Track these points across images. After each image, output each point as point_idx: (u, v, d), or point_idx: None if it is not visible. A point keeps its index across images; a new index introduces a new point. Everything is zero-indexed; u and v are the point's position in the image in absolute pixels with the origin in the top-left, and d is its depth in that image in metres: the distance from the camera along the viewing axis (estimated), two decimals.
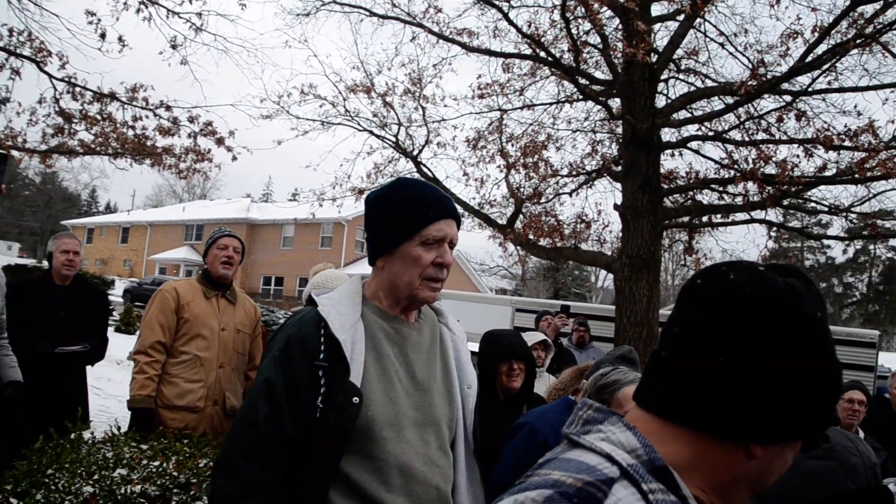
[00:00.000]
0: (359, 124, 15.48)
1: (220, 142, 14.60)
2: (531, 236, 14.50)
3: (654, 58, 13.17)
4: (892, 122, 11.80)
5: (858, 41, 10.83)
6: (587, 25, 12.48)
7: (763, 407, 1.12)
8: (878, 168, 11.10)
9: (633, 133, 12.24)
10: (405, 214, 2.39)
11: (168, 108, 14.05)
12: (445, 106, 16.49)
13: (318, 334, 2.31)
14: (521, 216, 15.15)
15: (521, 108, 15.55)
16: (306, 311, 2.46)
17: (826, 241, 57.90)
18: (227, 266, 5.35)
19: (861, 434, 6.07)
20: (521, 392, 4.83)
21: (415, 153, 15.51)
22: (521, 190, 15.22)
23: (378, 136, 15.60)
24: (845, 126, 12.71)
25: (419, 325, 2.56)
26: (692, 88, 14.57)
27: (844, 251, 64.48)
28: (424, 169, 15.44)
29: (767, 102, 13.49)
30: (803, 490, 2.24)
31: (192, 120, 14.34)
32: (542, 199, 15.53)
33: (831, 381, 1.15)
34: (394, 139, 15.54)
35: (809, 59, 11.32)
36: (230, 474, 2.20)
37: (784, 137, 13.39)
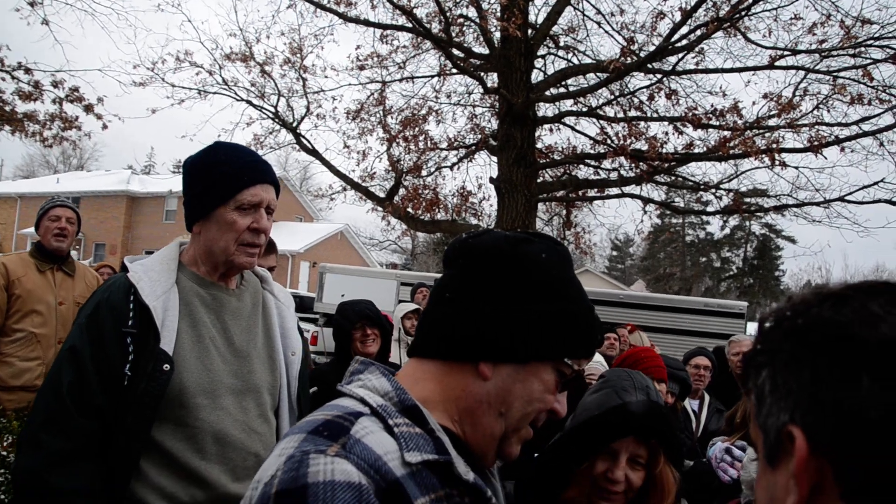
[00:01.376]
0: (237, 94, 15.11)
1: (88, 108, 13.91)
2: (410, 209, 14.53)
3: (531, 33, 13.34)
4: (755, 103, 12.36)
5: (716, 25, 11.24)
6: None
7: (480, 328, 1.33)
8: (739, 146, 11.60)
9: (508, 107, 12.37)
10: (220, 179, 2.34)
11: (28, 70, 13.28)
12: (326, 77, 16.49)
13: (127, 301, 2.24)
14: (401, 189, 15.15)
15: (402, 81, 15.50)
16: (117, 277, 2.38)
17: (706, 218, 60.42)
18: (60, 238, 5.11)
19: (707, 398, 6.35)
20: (377, 358, 4.86)
21: (294, 125, 15.26)
22: (402, 163, 15.21)
23: (257, 107, 15.28)
24: (712, 106, 13.21)
25: (240, 291, 2.52)
26: (569, 65, 14.84)
27: (722, 227, 67.13)
28: (304, 140, 15.22)
29: (640, 80, 13.90)
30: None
31: (56, 84, 13.59)
32: (423, 173, 15.58)
33: (551, 316, 1.35)
34: (273, 110, 15.27)
35: (676, 39, 11.71)
36: (33, 447, 2.11)
37: (655, 115, 13.81)
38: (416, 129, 15.26)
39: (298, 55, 14.96)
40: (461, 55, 13.14)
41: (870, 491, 0.78)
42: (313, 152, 15.13)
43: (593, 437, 2.19)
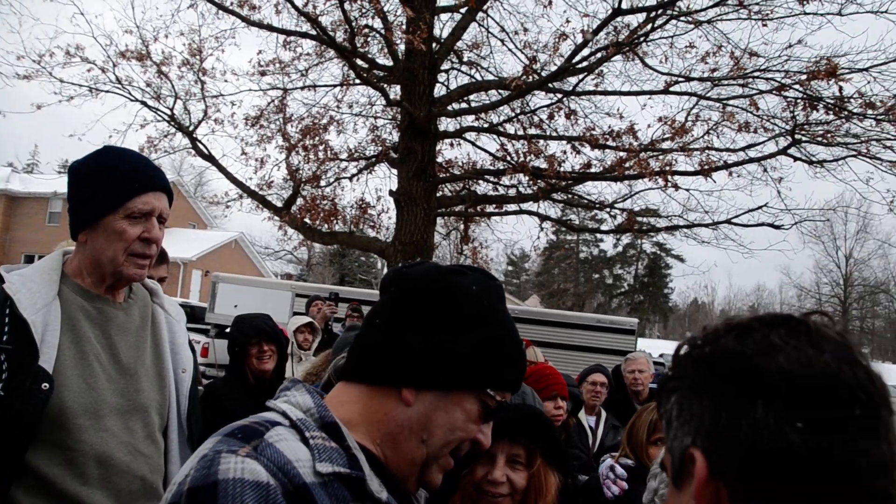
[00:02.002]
0: (131, 94, 14.56)
1: None
2: (307, 220, 14.31)
3: (435, 47, 13.38)
4: (650, 126, 12.77)
5: (616, 49, 11.55)
6: (367, 5, 12.45)
7: (404, 356, 1.36)
8: (634, 167, 11.91)
9: (410, 120, 12.36)
10: (109, 185, 2.20)
11: None
12: (226, 81, 15.98)
13: (2, 314, 2.07)
14: (299, 199, 14.91)
15: (304, 89, 15.28)
16: None
17: (599, 235, 62.07)
18: None
19: (603, 414, 6.45)
20: (273, 375, 4.73)
21: (191, 129, 14.82)
22: (301, 172, 14.97)
23: (152, 108, 14.76)
24: (609, 127, 13.54)
25: (128, 305, 2.37)
26: (472, 81, 14.95)
27: (615, 245, 68.96)
28: (200, 146, 14.80)
29: (541, 99, 14.12)
30: None
31: None
32: (322, 183, 15.39)
33: (476, 347, 1.37)
34: (169, 112, 14.77)
35: (577, 60, 11.96)
36: None
37: (554, 134, 14.05)
38: (317, 138, 15.06)
39: (198, 57, 14.56)
40: (365, 66, 13.05)
41: None
42: (209, 158, 14.72)
43: None
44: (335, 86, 15.26)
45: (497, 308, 1.45)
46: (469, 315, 1.39)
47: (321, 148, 15.11)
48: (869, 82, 11.24)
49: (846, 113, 11.42)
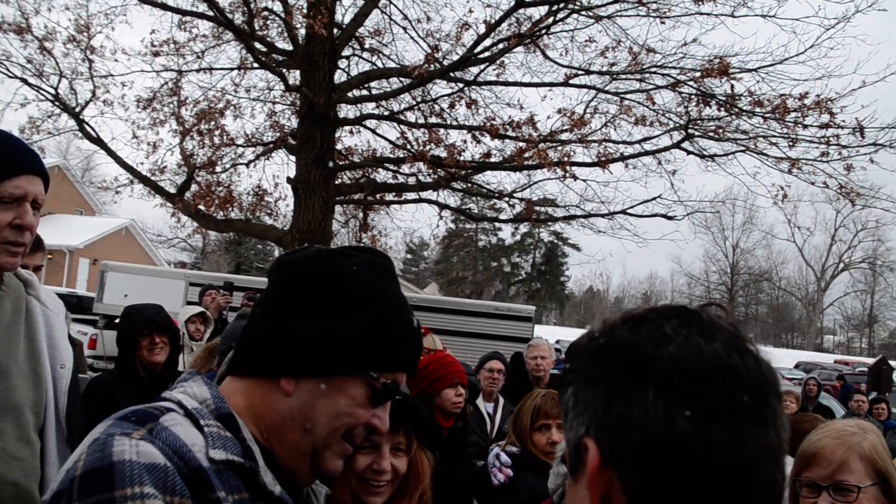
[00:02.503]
0: (9, 70, 13.78)
1: None
2: (202, 207, 13.90)
3: (336, 33, 13.18)
4: (549, 117, 12.93)
5: (518, 40, 11.64)
6: None
7: (279, 344, 1.34)
8: (534, 157, 12.02)
9: (309, 106, 12.13)
10: None
11: None
12: (116, 61, 15.16)
13: None
14: (193, 185, 14.46)
15: (200, 71, 14.77)
16: None
17: (498, 224, 62.82)
18: None
19: (501, 400, 6.51)
20: (165, 367, 4.55)
21: (77, 109, 14.15)
22: (195, 157, 14.51)
23: (33, 87, 14.00)
24: (510, 117, 13.61)
25: None
26: (374, 68, 14.80)
27: (513, 234, 69.88)
28: (88, 128, 14.15)
29: (442, 88, 14.10)
30: None
31: None
32: (218, 169, 14.95)
33: (355, 330, 1.33)
34: (53, 91, 14.05)
35: (479, 51, 11.99)
36: None
37: (455, 123, 14.05)
38: (213, 122, 14.59)
39: (85, 34, 13.90)
40: (264, 49, 12.73)
41: (652, 501, 0.85)
42: (98, 141, 14.10)
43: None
44: (233, 69, 14.83)
45: (383, 288, 1.42)
46: (350, 298, 1.36)
47: (217, 133, 14.67)
48: (758, 82, 11.70)
49: (736, 110, 11.83)
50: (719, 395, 0.84)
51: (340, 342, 1.33)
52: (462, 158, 12.72)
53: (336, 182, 13.43)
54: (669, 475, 0.84)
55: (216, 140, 14.63)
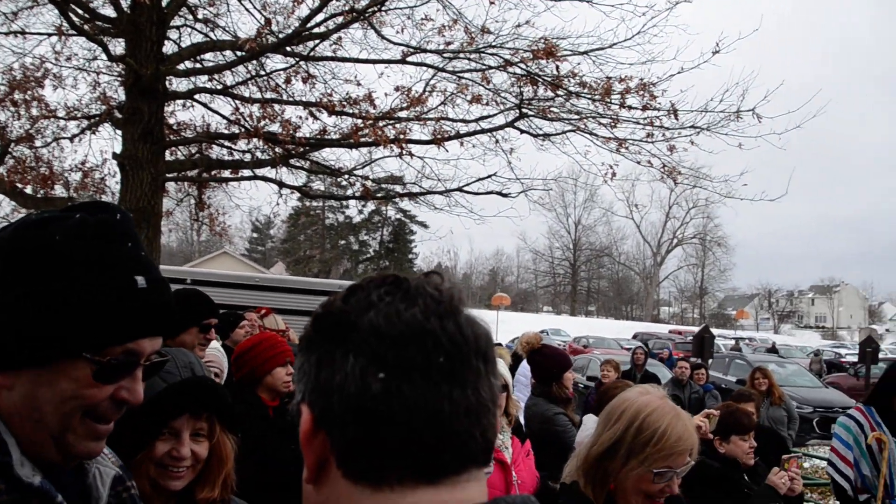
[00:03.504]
0: None
1: None
2: (19, 184, 13.04)
3: (166, 1, 12.58)
4: (387, 94, 12.89)
5: (353, 16, 11.53)
6: None
7: None
8: (370, 134, 11.96)
9: (136, 78, 11.54)
10: None
11: None
12: None
13: None
14: (9, 160, 13.52)
15: (12, 35, 13.70)
16: None
17: (345, 202, 62.30)
18: None
19: None
20: None
21: None
22: (10, 130, 13.57)
23: None
24: (347, 94, 13.48)
25: None
26: (206, 39, 14.25)
27: (360, 211, 69.68)
28: None
29: (278, 62, 13.77)
30: None
31: None
32: (38, 143, 14.04)
33: (54, 309, 1.23)
34: None
35: (313, 25, 11.78)
36: None
37: (291, 99, 13.78)
38: (29, 92, 13.66)
39: None
40: (84, 15, 12.01)
41: (356, 460, 0.90)
42: None
43: (150, 422, 2.19)
44: (50, 34, 13.86)
45: (92, 251, 1.30)
46: (45, 272, 1.25)
47: (35, 104, 13.74)
48: (588, 64, 12.12)
49: (564, 91, 12.19)
50: (412, 356, 0.89)
51: (38, 325, 1.23)
52: (299, 135, 12.49)
53: (168, 158, 12.90)
54: (369, 434, 0.89)
55: (34, 112, 13.71)
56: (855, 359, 35.46)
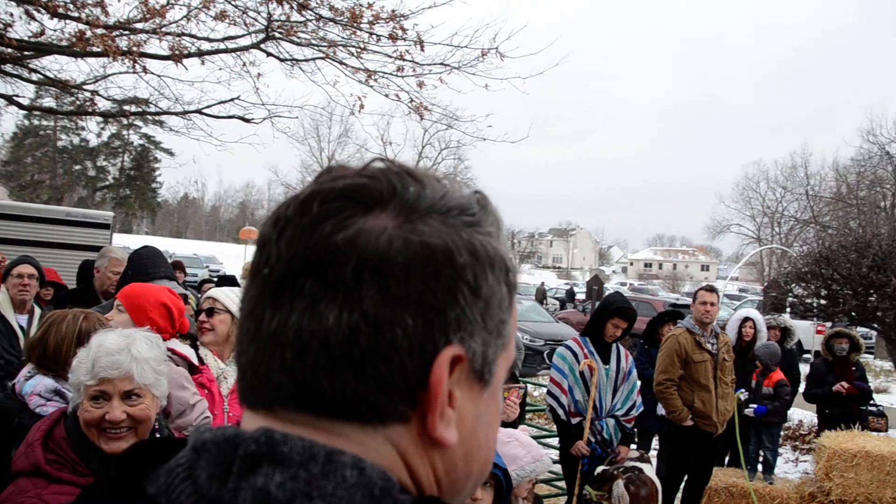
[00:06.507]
0: None
1: None
2: None
3: None
4: (122, 1, 11.72)
5: None
6: None
7: None
8: (97, 43, 10.79)
9: None
10: None
11: None
12: None
13: None
14: None
15: None
16: None
17: (81, 122, 57.11)
18: None
19: (37, 311, 6.47)
20: None
21: None
22: None
23: None
24: None
25: None
26: None
27: (98, 135, 64.11)
28: None
29: None
30: None
31: None
32: None
33: None
34: None
35: None
36: None
37: None
38: None
39: None
40: None
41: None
42: None
43: None
44: None
45: None
46: None
47: None
48: None
49: (313, 14, 11.67)
50: None
51: None
52: (11, 35, 10.99)
53: None
54: None
55: None
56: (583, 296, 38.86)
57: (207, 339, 3.97)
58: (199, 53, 12.21)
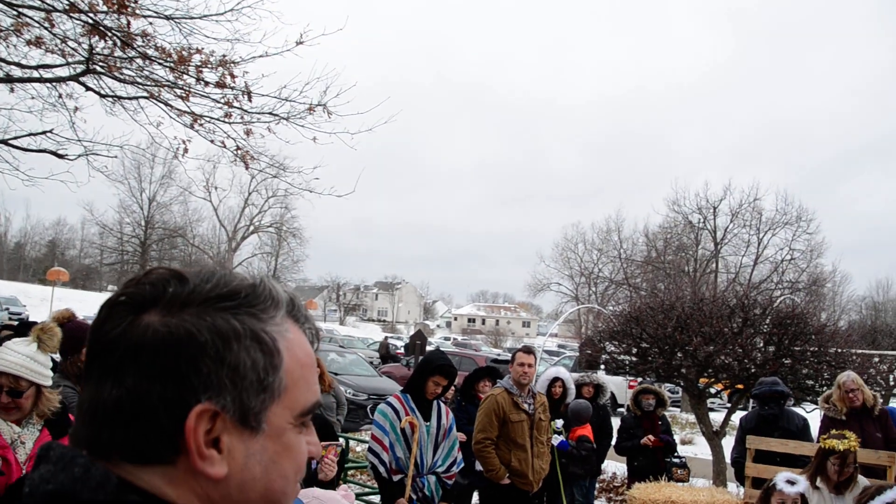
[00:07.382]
0: None
1: None
2: None
3: None
4: None
5: None
6: None
7: None
8: None
9: None
10: None
11: None
12: None
13: None
14: None
15: None
16: None
17: None
18: None
19: None
20: None
21: None
22: None
23: None
24: None
25: None
26: None
27: None
28: None
29: None
30: None
31: None
32: None
33: None
34: None
35: None
36: None
37: None
38: None
39: None
40: None
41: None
42: None
43: None
44: None
45: None
46: None
47: None
48: (176, 34, 11.32)
49: (137, 52, 11.32)
50: None
51: None
52: None
53: None
54: None
55: None
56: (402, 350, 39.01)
57: (14, 419, 3.58)
58: (10, 80, 11.52)
